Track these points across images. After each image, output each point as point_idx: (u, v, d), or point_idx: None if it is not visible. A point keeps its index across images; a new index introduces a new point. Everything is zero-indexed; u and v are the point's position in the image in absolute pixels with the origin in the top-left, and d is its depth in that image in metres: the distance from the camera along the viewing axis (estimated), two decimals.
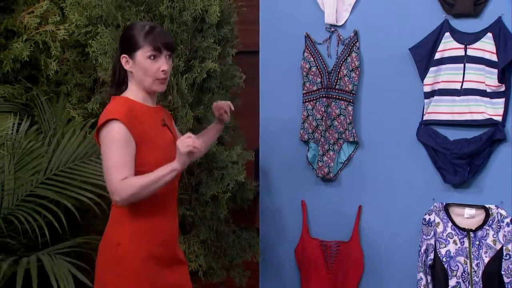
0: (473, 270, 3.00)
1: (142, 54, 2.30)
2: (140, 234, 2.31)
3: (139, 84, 2.35)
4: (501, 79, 2.94)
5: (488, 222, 2.99)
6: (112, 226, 2.36)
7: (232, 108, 2.69)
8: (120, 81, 2.40)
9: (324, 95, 3.32)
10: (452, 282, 3.03)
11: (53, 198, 2.89)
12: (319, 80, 3.33)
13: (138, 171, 2.26)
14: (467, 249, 3.01)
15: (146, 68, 2.31)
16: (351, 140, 3.28)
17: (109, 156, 2.23)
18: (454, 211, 3.07)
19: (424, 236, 3.10)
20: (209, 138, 2.72)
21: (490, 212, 3.00)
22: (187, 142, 2.16)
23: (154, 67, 2.30)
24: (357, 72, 3.24)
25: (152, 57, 2.30)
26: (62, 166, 3.00)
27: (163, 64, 2.31)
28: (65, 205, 2.85)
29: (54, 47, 3.37)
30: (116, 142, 2.23)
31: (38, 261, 2.67)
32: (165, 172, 2.21)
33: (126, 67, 2.34)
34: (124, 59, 2.33)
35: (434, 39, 3.07)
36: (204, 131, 2.76)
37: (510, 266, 2.94)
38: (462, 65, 3.02)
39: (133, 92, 2.37)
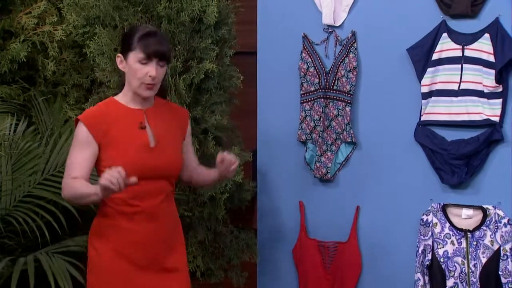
0: (470, 270, 3.00)
1: (134, 57, 2.30)
2: (105, 230, 2.34)
3: (128, 85, 2.36)
4: (498, 80, 2.94)
5: (485, 223, 3.00)
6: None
7: (237, 165, 2.47)
8: (119, 84, 2.44)
9: (321, 96, 3.32)
10: (449, 282, 3.03)
11: (51, 199, 2.88)
12: (316, 80, 3.34)
13: (103, 171, 2.20)
14: (465, 249, 3.02)
15: (135, 71, 2.30)
16: (348, 140, 3.28)
17: (69, 154, 2.33)
18: (452, 212, 3.07)
19: (422, 237, 3.10)
20: (205, 177, 2.60)
21: (488, 213, 3.00)
22: (109, 174, 2.07)
23: (143, 71, 2.29)
24: (355, 73, 3.24)
25: (143, 62, 2.29)
26: (60, 166, 2.98)
27: (152, 69, 2.29)
28: (64, 205, 2.84)
29: (51, 48, 3.38)
30: (76, 142, 2.32)
31: (36, 261, 2.66)
32: (90, 192, 2.19)
33: (120, 66, 2.35)
34: (119, 58, 2.35)
35: (431, 40, 3.07)
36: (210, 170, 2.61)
37: (508, 266, 2.95)
38: (459, 65, 3.03)
39: (123, 93, 2.39)
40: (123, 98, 2.38)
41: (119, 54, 2.35)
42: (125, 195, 2.27)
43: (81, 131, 2.30)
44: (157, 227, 2.38)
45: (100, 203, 2.36)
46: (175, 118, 2.48)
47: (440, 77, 3.07)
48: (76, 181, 2.25)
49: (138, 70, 2.29)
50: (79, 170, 2.28)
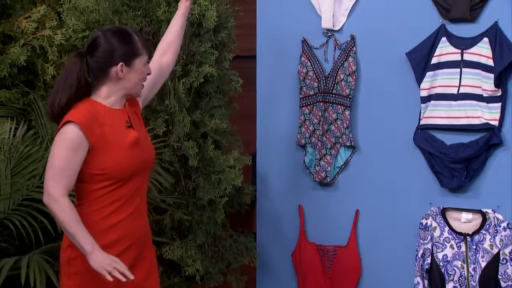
0: (470, 274, 3.00)
1: (140, 61, 2.33)
2: (107, 232, 2.32)
3: (122, 89, 2.35)
4: (497, 84, 2.94)
5: (485, 227, 2.99)
6: None
7: None
8: (83, 88, 2.34)
9: (321, 100, 3.33)
10: (449, 286, 3.04)
11: None
12: (316, 84, 3.34)
13: (97, 174, 2.27)
14: (464, 253, 3.02)
15: (141, 73, 2.35)
16: (348, 144, 3.28)
17: (54, 155, 2.24)
18: (451, 216, 3.07)
19: (421, 241, 3.10)
20: (178, 19, 2.68)
21: (487, 217, 3.00)
22: (111, 265, 2.15)
23: (146, 72, 2.38)
24: (354, 77, 3.25)
25: (146, 63, 2.37)
26: None
27: (149, 68, 2.40)
28: None
29: (51, 52, 3.35)
30: (66, 144, 2.24)
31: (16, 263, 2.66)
32: (80, 240, 2.19)
33: (120, 75, 2.32)
34: (120, 67, 2.32)
35: (430, 44, 3.08)
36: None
37: (507, 270, 2.95)
38: (458, 69, 3.03)
39: (102, 97, 2.35)
40: (105, 100, 2.35)
41: (122, 63, 2.32)
42: (115, 197, 2.30)
43: (75, 133, 2.24)
44: (138, 229, 2.41)
45: (82, 210, 2.32)
46: (134, 108, 2.48)
47: (439, 81, 3.07)
48: (66, 206, 2.20)
49: (144, 71, 2.36)
50: (68, 177, 2.23)
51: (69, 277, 2.33)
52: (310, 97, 3.37)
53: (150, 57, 2.41)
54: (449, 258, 3.03)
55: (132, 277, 2.19)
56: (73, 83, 2.31)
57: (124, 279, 2.17)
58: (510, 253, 2.94)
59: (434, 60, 3.07)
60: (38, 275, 2.57)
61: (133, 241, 2.37)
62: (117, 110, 2.36)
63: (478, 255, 2.99)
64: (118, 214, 2.32)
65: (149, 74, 2.39)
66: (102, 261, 2.18)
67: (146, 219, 2.50)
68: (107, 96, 2.35)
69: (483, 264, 2.97)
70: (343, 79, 3.27)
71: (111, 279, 2.17)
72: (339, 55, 3.29)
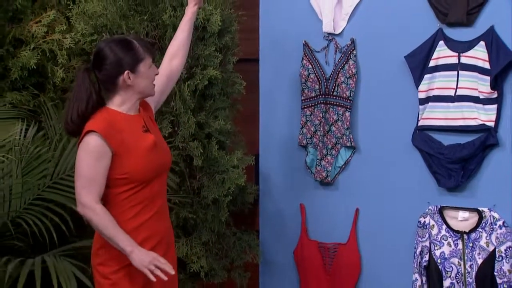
0: (466, 271, 3.01)
1: (145, 65, 2.34)
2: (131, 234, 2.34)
3: (136, 94, 2.36)
4: (493, 86, 2.94)
5: (481, 225, 3.00)
6: None
7: None
8: (95, 99, 2.35)
9: (322, 102, 3.34)
10: (446, 283, 3.04)
11: (60, 202, 2.89)
12: (317, 86, 3.35)
13: (120, 178, 2.29)
14: (461, 251, 3.02)
15: (148, 76, 2.37)
16: (348, 145, 3.29)
17: (82, 165, 2.27)
18: (448, 214, 3.08)
19: (419, 238, 3.11)
20: (185, 24, 2.70)
21: (483, 215, 3.00)
22: (152, 262, 2.20)
23: (153, 73, 2.40)
24: (354, 79, 3.25)
25: (150, 65, 2.38)
26: (68, 170, 2.98)
27: (156, 69, 2.42)
28: (71, 208, 2.79)
29: (60, 55, 3.36)
30: (90, 153, 2.26)
31: (43, 263, 2.66)
32: (119, 242, 2.23)
33: (128, 82, 2.33)
34: (127, 75, 2.32)
35: (428, 47, 3.08)
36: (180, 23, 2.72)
37: (503, 267, 2.94)
38: (455, 72, 3.03)
39: (117, 104, 2.36)
40: (120, 107, 2.36)
41: (127, 71, 2.32)
42: (138, 200, 2.33)
43: (97, 142, 2.27)
44: (163, 229, 2.43)
45: (115, 212, 2.33)
46: (148, 113, 2.49)
47: (437, 83, 3.07)
48: (102, 213, 2.24)
49: (151, 74, 2.37)
50: (97, 185, 2.26)
51: (103, 278, 2.35)
52: (311, 99, 3.37)
53: (153, 58, 2.40)
54: (446, 256, 3.03)
55: (173, 272, 2.21)
56: (83, 97, 2.33)
57: (166, 278, 2.21)
58: (505, 250, 2.93)
59: (432, 63, 3.07)
60: (67, 280, 2.57)
61: (158, 240, 2.39)
62: (133, 116, 2.37)
63: (474, 252, 2.99)
64: (142, 215, 2.34)
65: (156, 74, 2.40)
66: (143, 260, 2.21)
67: (168, 220, 2.51)
68: (121, 103, 2.36)
69: (480, 261, 2.97)
70: (344, 82, 3.27)
71: (154, 279, 2.21)
72: (339, 58, 3.29)
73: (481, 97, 2.98)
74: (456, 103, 3.03)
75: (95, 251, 2.37)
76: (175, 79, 2.67)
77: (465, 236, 3.01)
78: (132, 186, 2.32)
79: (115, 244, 2.26)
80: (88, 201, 2.25)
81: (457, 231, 3.03)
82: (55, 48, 3.35)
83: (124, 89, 2.35)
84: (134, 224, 2.32)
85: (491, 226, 2.98)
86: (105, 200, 2.33)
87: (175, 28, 3.00)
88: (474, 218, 3.02)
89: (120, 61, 2.33)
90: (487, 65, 2.95)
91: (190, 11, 2.71)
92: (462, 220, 3.04)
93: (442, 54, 3.05)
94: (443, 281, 3.04)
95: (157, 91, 2.51)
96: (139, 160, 2.32)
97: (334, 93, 3.30)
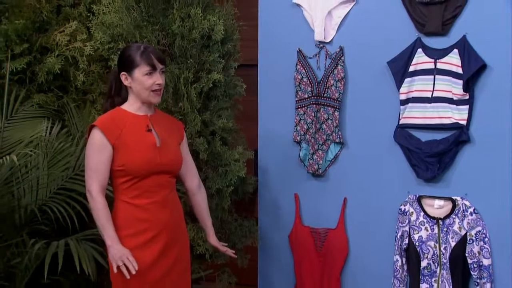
0: (441, 253, 3.02)
1: (139, 72, 2.32)
2: (123, 222, 2.36)
3: (137, 96, 2.37)
4: (465, 89, 2.95)
5: (454, 212, 3.01)
6: None
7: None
8: (114, 95, 2.42)
9: (314, 102, 3.32)
10: (423, 263, 3.05)
11: (81, 191, 2.91)
12: (309, 89, 3.34)
13: (118, 170, 2.31)
14: (437, 235, 3.03)
15: (143, 83, 2.33)
16: (337, 141, 3.28)
17: (87, 157, 2.30)
18: (426, 202, 3.09)
19: (400, 224, 3.12)
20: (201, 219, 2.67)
21: (456, 203, 3.01)
22: (120, 258, 2.19)
23: (150, 81, 2.33)
24: (343, 82, 3.24)
25: (148, 73, 2.32)
26: None
27: (158, 78, 2.34)
28: None
29: (81, 61, 3.41)
30: (93, 146, 2.29)
31: (66, 245, 2.70)
32: (104, 233, 2.25)
33: (126, 83, 2.36)
34: (123, 76, 2.35)
35: (408, 54, 3.08)
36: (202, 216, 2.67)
37: (473, 249, 2.96)
38: (432, 76, 3.03)
39: (129, 103, 2.40)
40: (130, 107, 2.39)
41: (123, 72, 2.34)
42: (140, 190, 2.33)
43: (97, 136, 2.28)
44: (167, 217, 2.40)
45: (115, 199, 2.36)
46: (173, 126, 2.51)
47: (415, 86, 3.07)
48: (100, 203, 2.25)
49: (146, 81, 2.32)
50: (101, 174, 2.27)
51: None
52: (304, 100, 3.35)
53: (152, 66, 2.32)
54: (423, 239, 3.04)
55: (133, 272, 2.18)
56: (109, 88, 2.43)
57: (127, 274, 2.19)
58: (475, 234, 2.95)
59: (411, 68, 3.07)
60: (86, 260, 2.62)
61: (160, 229, 2.35)
62: (140, 116, 2.39)
63: (448, 236, 3.01)
64: (142, 198, 2.33)
65: (159, 83, 2.33)
66: (115, 254, 2.21)
67: (176, 212, 2.45)
68: (131, 104, 2.40)
69: (453, 244, 2.98)
70: (333, 84, 3.26)
71: (115, 271, 2.21)
72: (329, 64, 3.28)
73: (454, 98, 2.98)
74: (432, 104, 3.03)
75: None
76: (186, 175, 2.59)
77: (440, 222, 3.03)
78: (129, 178, 2.31)
79: (102, 234, 2.27)
80: (93, 190, 2.27)
81: (433, 218, 3.04)
82: (77, 54, 3.41)
83: (130, 90, 2.38)
84: (135, 202, 2.31)
85: (463, 213, 2.99)
86: (114, 188, 2.36)
87: (183, 37, 3.03)
88: (448, 206, 3.03)
89: (120, 63, 2.37)
90: (460, 70, 2.95)
91: (212, 239, 2.64)
92: (437, 207, 3.05)
93: (421, 60, 3.05)
94: (421, 262, 3.05)
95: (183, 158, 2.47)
96: (135, 155, 2.31)
97: (325, 94, 3.29)
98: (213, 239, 2.63)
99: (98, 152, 2.28)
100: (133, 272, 2.19)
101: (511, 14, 2.87)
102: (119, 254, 2.21)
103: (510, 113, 2.91)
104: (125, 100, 2.44)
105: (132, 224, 2.32)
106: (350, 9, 3.24)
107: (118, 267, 2.21)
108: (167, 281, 2.38)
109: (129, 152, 2.31)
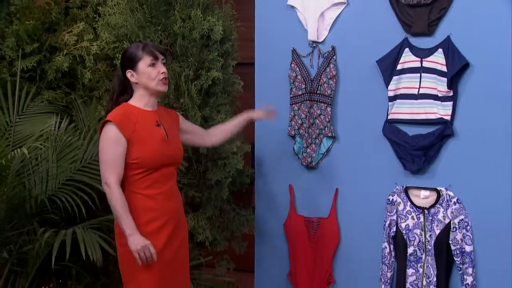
0: (427, 240, 3.03)
1: (143, 64, 2.35)
2: (134, 212, 2.36)
3: (145, 90, 2.39)
4: (450, 86, 2.96)
5: (439, 202, 3.02)
6: None
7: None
8: (118, 96, 2.44)
9: (307, 99, 3.33)
10: (410, 250, 3.07)
11: (88, 183, 2.96)
12: (303, 86, 3.34)
13: (132, 163, 2.32)
14: (422, 223, 3.05)
15: (149, 74, 2.36)
16: (329, 135, 3.29)
17: (103, 151, 2.30)
18: (412, 193, 3.10)
19: (388, 213, 3.14)
20: (238, 122, 2.78)
21: (441, 194, 3.03)
22: (143, 249, 2.22)
23: (155, 71, 2.37)
24: (334, 80, 3.25)
25: (152, 65, 2.36)
26: (95, 156, 3.04)
27: (161, 67, 2.38)
28: (98, 188, 2.90)
29: (88, 60, 3.42)
30: (109, 141, 2.30)
31: (74, 233, 2.73)
32: (123, 222, 2.26)
33: (132, 80, 2.38)
34: (129, 73, 2.38)
35: (396, 53, 3.09)
36: (235, 121, 2.80)
37: (456, 237, 2.98)
38: (418, 74, 3.04)
39: (135, 99, 2.43)
40: (137, 103, 2.41)
41: (129, 70, 2.37)
42: (150, 181, 2.35)
43: (112, 130, 2.30)
44: (173, 206, 2.45)
45: (125, 191, 2.35)
46: (171, 118, 2.55)
47: (403, 83, 3.08)
48: (118, 193, 2.25)
49: (151, 72, 2.36)
50: (118, 167, 2.28)
51: (121, 246, 2.39)
52: (298, 96, 3.36)
53: (154, 57, 2.36)
54: (410, 227, 3.06)
55: (151, 262, 2.22)
56: (113, 89, 2.45)
57: (144, 262, 2.24)
58: (459, 222, 2.97)
59: (399, 67, 3.07)
60: (92, 247, 2.66)
61: (168, 217, 2.38)
62: (148, 111, 2.42)
63: (433, 224, 3.02)
64: (152, 189, 2.36)
65: (163, 72, 2.35)
66: (137, 244, 2.23)
67: (179, 201, 2.49)
68: (138, 100, 2.42)
69: (438, 232, 3.00)
70: (326, 82, 3.27)
71: (140, 262, 2.24)
72: (322, 62, 3.28)
73: (439, 95, 2.99)
74: (419, 100, 3.03)
75: (117, 222, 2.41)
76: (195, 141, 2.68)
77: (426, 211, 3.04)
78: (142, 170, 2.34)
79: (120, 224, 2.28)
80: (110, 181, 2.28)
81: (419, 207, 3.06)
82: (84, 53, 3.42)
83: (136, 87, 2.40)
84: (146, 193, 2.33)
85: (447, 203, 3.00)
86: (124, 180, 2.35)
87: (184, 37, 3.06)
88: (434, 196, 3.04)
89: (123, 63, 2.40)
90: (444, 69, 2.96)
91: (248, 115, 2.74)
92: (423, 197, 3.06)
93: (408, 59, 3.06)
94: (408, 248, 3.06)
95: (182, 128, 2.55)
96: (148, 148, 2.33)
97: (318, 91, 3.30)
98: (255, 111, 2.80)
99: (114, 145, 2.29)
100: (150, 262, 2.24)
101: (492, 16, 2.89)
102: (141, 244, 2.24)
103: (492, 109, 2.92)
104: (129, 99, 2.47)
105: (143, 214, 2.35)
106: (342, 11, 3.25)
107: (140, 258, 2.25)
108: (177, 260, 2.43)
109: (143, 146, 2.33)
